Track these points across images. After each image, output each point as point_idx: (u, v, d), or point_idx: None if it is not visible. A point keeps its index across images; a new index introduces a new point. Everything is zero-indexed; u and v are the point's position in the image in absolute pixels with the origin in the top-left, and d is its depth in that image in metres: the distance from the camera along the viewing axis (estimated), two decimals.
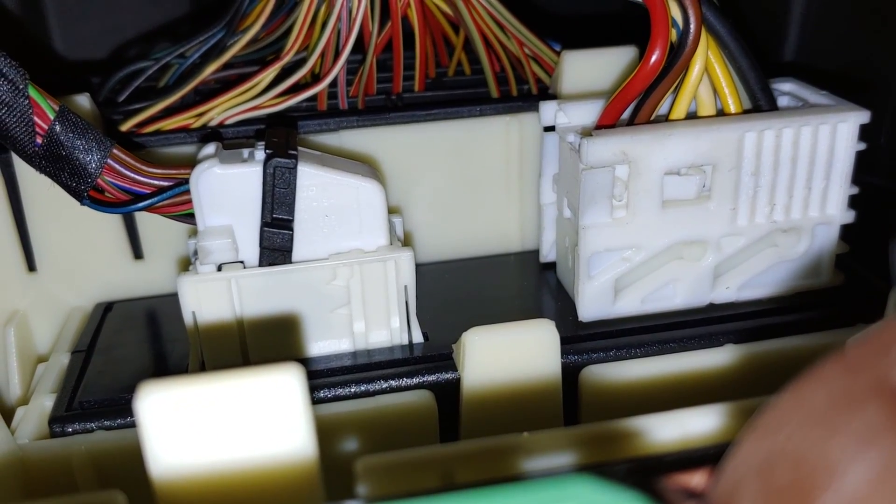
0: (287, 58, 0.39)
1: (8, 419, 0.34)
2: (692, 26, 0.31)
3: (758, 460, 0.14)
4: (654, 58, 0.31)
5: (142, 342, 0.36)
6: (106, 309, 0.38)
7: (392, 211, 0.36)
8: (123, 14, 0.52)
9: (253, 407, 0.20)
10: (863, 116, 0.33)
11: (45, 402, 0.33)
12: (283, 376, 0.20)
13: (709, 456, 0.19)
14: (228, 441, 0.20)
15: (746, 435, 0.15)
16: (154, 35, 0.53)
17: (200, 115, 0.38)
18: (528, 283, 0.38)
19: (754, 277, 0.35)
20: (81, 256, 0.39)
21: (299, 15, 0.39)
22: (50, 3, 0.51)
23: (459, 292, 0.38)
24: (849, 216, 0.34)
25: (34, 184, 0.36)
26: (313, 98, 0.39)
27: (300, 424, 0.20)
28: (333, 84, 0.39)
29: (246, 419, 0.20)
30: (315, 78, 0.40)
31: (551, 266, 0.39)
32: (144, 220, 0.38)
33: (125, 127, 0.38)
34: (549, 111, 0.36)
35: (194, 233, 0.34)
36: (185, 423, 0.20)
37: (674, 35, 0.32)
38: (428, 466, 0.22)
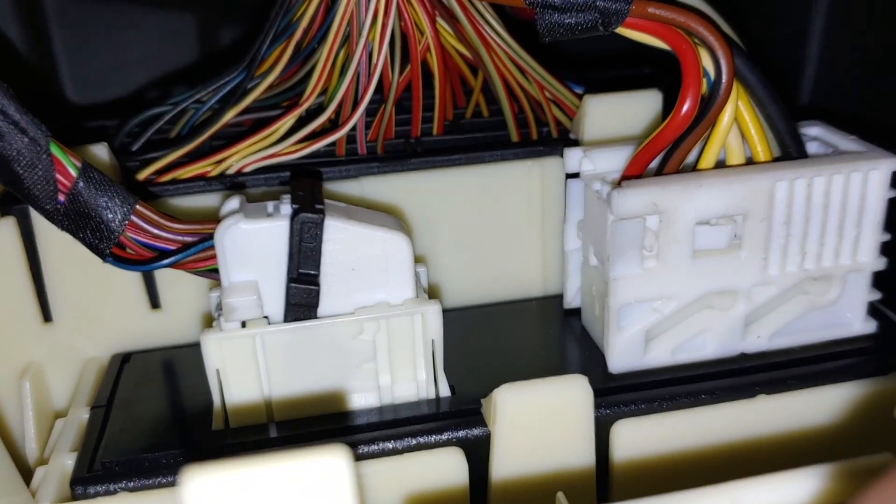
0: (307, 103, 0.39)
1: (26, 478, 0.33)
2: (724, 77, 0.31)
3: None
4: (685, 109, 0.31)
5: (162, 397, 0.35)
6: (123, 360, 0.38)
7: (416, 259, 0.35)
8: (130, 50, 0.52)
9: (300, 490, 0.19)
10: (895, 164, 0.32)
11: (65, 462, 0.32)
12: (332, 459, 0.20)
13: None
14: None
15: None
16: (161, 70, 0.52)
17: (219, 162, 0.38)
18: (554, 331, 0.38)
19: (785, 326, 0.34)
20: (98, 306, 0.38)
21: (319, 59, 0.39)
22: (57, 37, 0.51)
23: (484, 341, 0.37)
24: (881, 263, 0.34)
25: (50, 233, 0.36)
26: (332, 143, 0.39)
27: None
28: (352, 128, 0.39)
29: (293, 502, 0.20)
30: (333, 123, 0.39)
31: (575, 312, 0.38)
32: (162, 269, 0.38)
33: (142, 175, 0.38)
34: (573, 158, 0.35)
35: (214, 283, 0.33)
36: None
37: (704, 85, 0.31)
38: None
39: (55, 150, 0.29)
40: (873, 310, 0.35)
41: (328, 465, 0.20)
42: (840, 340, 0.35)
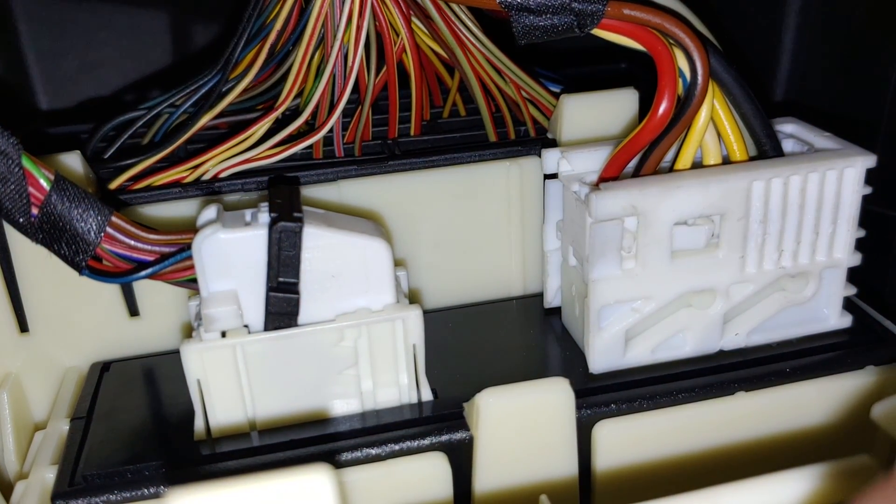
0: (283, 106, 0.38)
1: (6, 493, 0.33)
2: (700, 78, 0.31)
3: None
4: (661, 110, 0.31)
5: (142, 406, 0.35)
6: (103, 369, 0.37)
7: (395, 263, 0.35)
8: (102, 50, 0.51)
9: None
10: (869, 160, 0.33)
11: (46, 476, 0.32)
12: (316, 478, 0.20)
13: None
14: None
15: None
16: (134, 71, 0.52)
17: (194, 167, 0.37)
18: (534, 331, 0.38)
19: (763, 323, 0.35)
20: (75, 315, 0.38)
21: (294, 62, 0.38)
22: (26, 36, 0.50)
23: (465, 342, 0.37)
24: (856, 259, 0.34)
25: (24, 241, 0.35)
26: (309, 146, 0.39)
27: None
28: (329, 131, 0.39)
29: None
30: (310, 125, 0.39)
31: (556, 311, 0.38)
32: None
33: (115, 183, 0.37)
34: (551, 159, 0.36)
35: (193, 292, 0.33)
36: None
37: (680, 86, 0.31)
38: None
39: (27, 163, 0.29)
40: (849, 304, 0.36)
41: (312, 485, 0.20)
42: (817, 335, 0.35)
